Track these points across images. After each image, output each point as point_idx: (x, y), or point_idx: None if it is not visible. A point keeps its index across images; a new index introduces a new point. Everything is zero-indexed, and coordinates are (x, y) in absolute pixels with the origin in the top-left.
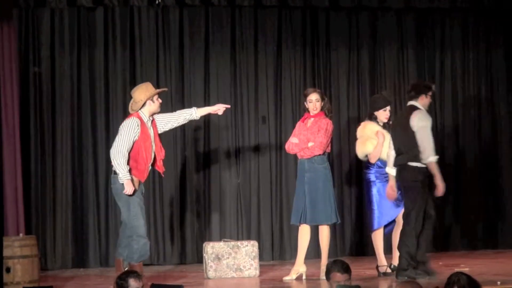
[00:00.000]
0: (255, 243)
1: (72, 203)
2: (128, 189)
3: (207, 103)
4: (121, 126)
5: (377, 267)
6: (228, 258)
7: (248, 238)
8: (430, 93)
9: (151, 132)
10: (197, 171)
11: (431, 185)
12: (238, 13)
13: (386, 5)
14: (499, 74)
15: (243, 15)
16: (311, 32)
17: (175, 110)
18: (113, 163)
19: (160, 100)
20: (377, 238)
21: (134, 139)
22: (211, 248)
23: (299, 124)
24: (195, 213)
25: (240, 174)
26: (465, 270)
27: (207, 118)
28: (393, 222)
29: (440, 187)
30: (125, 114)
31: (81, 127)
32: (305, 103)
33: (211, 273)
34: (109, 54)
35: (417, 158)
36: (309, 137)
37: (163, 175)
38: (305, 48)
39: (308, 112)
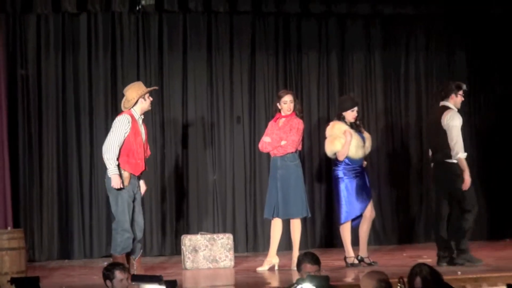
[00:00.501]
0: (230, 236)
1: (57, 199)
2: (115, 183)
3: (184, 104)
4: (113, 123)
5: (345, 258)
6: (204, 250)
7: (224, 231)
8: (460, 92)
9: (142, 129)
10: (176, 169)
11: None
12: (214, 19)
13: (354, 11)
14: (460, 76)
15: (219, 21)
16: (283, 37)
17: (156, 109)
18: (103, 158)
19: (151, 98)
20: (345, 231)
21: (125, 135)
22: (188, 241)
23: (271, 124)
24: (174, 208)
25: (216, 171)
26: (428, 261)
27: (185, 118)
28: (360, 216)
29: (467, 182)
30: (107, 114)
31: (66, 127)
32: (278, 104)
33: (188, 264)
34: (92, 57)
35: (450, 155)
36: (281, 136)
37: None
38: (278, 52)
39: (280, 112)
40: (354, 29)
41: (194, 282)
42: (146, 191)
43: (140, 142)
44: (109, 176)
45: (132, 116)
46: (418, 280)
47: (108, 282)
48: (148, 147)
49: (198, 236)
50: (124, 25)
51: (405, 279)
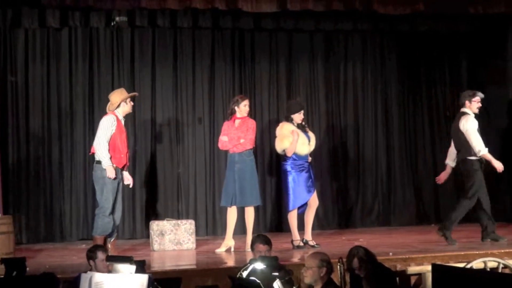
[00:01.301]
0: (192, 222)
1: (42, 189)
2: (110, 173)
3: (153, 107)
4: (100, 122)
5: (292, 241)
6: (170, 234)
7: (187, 217)
8: (474, 99)
9: (125, 129)
10: (146, 163)
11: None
12: (179, 34)
13: (299, 27)
14: (392, 83)
15: (183, 35)
16: (239, 49)
17: (128, 114)
18: (96, 153)
19: (132, 103)
20: (292, 217)
21: (112, 132)
22: (156, 226)
23: (227, 124)
24: (144, 198)
25: (180, 165)
26: (363, 244)
27: (153, 119)
28: (305, 204)
29: (499, 166)
30: (85, 114)
31: (50, 125)
32: (236, 106)
33: (156, 246)
34: (72, 66)
35: (471, 153)
36: (239, 135)
37: (125, 169)
38: (234, 62)
39: (236, 114)
40: (300, 42)
41: (160, 262)
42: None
43: (124, 139)
44: (104, 167)
45: (116, 117)
46: (355, 260)
47: (91, 262)
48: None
49: (165, 222)
50: (100, 39)
51: (344, 259)
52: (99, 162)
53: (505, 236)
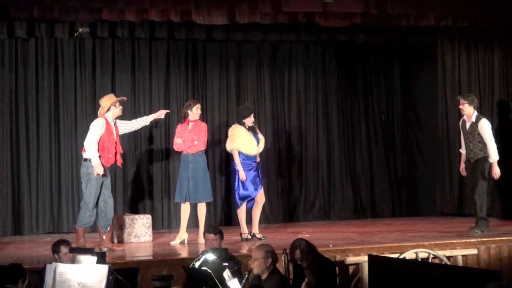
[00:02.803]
0: (149, 216)
1: (11, 185)
2: (99, 170)
3: None
4: (91, 125)
5: (240, 234)
6: (129, 227)
7: (144, 212)
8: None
9: (114, 131)
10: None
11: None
12: (137, 44)
13: (247, 38)
14: (332, 89)
15: (141, 45)
16: (192, 58)
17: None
18: (86, 152)
19: (121, 107)
20: (241, 212)
21: (101, 134)
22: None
23: (181, 127)
24: None
25: (138, 165)
26: (306, 236)
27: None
28: (253, 200)
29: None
30: (51, 118)
31: (18, 128)
32: (189, 110)
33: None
34: (39, 74)
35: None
36: (193, 137)
37: (120, 166)
38: (188, 70)
39: (189, 117)
40: (248, 52)
41: (120, 253)
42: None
43: (112, 141)
44: (93, 165)
45: (106, 120)
46: (297, 252)
47: (55, 255)
48: (120, 146)
49: (124, 216)
50: (64, 48)
51: (288, 251)
52: (86, 160)
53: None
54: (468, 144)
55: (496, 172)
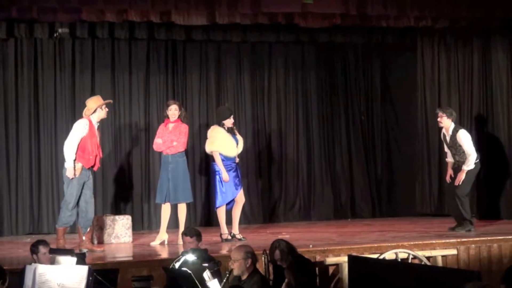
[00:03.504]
0: (129, 217)
1: None
2: (69, 173)
3: None
4: (74, 125)
5: (220, 235)
6: (109, 228)
7: (124, 213)
8: (437, 117)
9: (97, 134)
10: None
11: None
12: (117, 44)
13: (227, 38)
14: (312, 90)
15: (121, 46)
16: (172, 58)
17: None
18: (64, 153)
19: (107, 109)
20: (221, 213)
21: (82, 135)
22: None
23: (162, 128)
24: None
25: (118, 165)
26: (286, 237)
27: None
28: (233, 201)
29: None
30: (30, 118)
31: None
32: (168, 111)
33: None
34: (18, 74)
35: None
36: (172, 138)
37: (96, 170)
38: (167, 70)
39: (168, 118)
40: (228, 53)
41: (100, 254)
42: None
43: (95, 143)
44: (66, 167)
45: (90, 121)
46: (277, 252)
47: (34, 256)
48: (101, 149)
49: (104, 217)
50: (44, 49)
51: (268, 251)
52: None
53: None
54: (454, 157)
55: (461, 179)
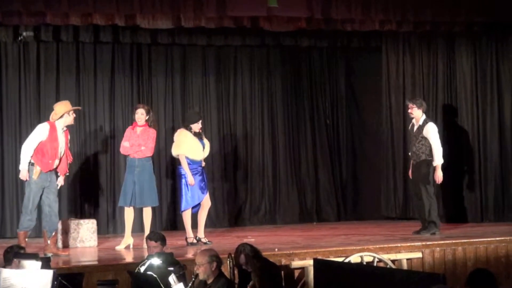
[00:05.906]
0: (94, 221)
1: None
2: (21, 176)
3: None
4: (35, 128)
5: (186, 238)
6: (73, 232)
7: (89, 217)
8: (407, 109)
9: (61, 139)
10: None
11: None
12: (81, 48)
13: (193, 42)
14: (277, 94)
15: (86, 49)
16: (137, 62)
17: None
18: (21, 155)
19: (74, 115)
20: (186, 216)
21: (42, 139)
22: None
23: (129, 131)
24: None
25: (83, 169)
26: (251, 240)
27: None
28: (198, 205)
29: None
30: None
31: None
32: (135, 115)
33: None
34: None
35: None
36: (140, 143)
37: (63, 176)
38: (132, 74)
39: (136, 122)
40: (193, 56)
41: (65, 258)
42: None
43: (56, 147)
44: (20, 168)
45: (52, 126)
46: (242, 256)
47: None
48: (70, 154)
49: (69, 221)
50: (8, 52)
51: (233, 255)
52: (29, 163)
53: None
54: (412, 147)
55: (439, 176)
